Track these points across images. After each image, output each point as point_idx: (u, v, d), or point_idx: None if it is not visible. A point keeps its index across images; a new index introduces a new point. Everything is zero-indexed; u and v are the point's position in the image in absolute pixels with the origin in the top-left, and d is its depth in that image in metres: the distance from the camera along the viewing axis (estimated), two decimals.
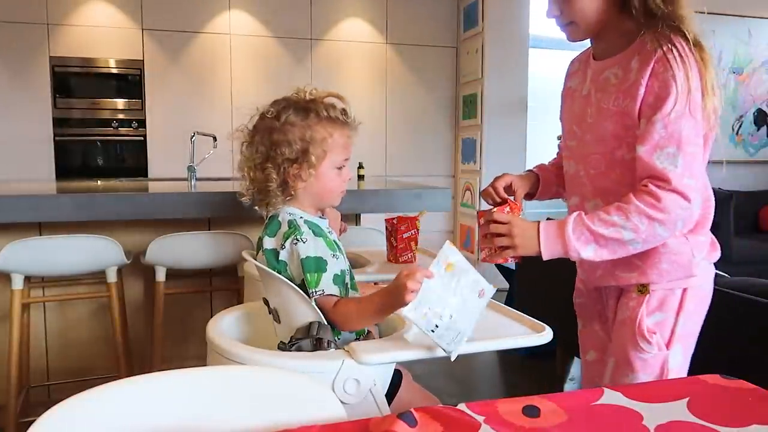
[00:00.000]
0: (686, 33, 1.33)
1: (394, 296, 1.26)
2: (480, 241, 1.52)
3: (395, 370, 1.51)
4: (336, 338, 1.40)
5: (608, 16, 1.42)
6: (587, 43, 1.57)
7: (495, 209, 1.50)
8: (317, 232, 1.41)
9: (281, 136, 1.41)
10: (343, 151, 1.47)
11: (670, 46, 1.31)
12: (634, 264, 1.45)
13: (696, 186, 1.35)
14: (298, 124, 1.42)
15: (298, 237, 1.37)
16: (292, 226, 1.39)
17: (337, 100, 1.50)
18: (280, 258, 1.38)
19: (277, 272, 1.38)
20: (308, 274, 1.35)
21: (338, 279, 1.39)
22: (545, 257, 1.38)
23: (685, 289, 1.46)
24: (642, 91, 1.35)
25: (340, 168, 1.48)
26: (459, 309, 1.27)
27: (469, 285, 1.29)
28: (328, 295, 1.36)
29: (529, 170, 1.74)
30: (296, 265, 1.36)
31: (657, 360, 1.45)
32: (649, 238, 1.34)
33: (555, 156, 1.82)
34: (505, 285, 4.24)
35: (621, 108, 1.40)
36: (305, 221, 1.42)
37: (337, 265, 1.41)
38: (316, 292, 1.35)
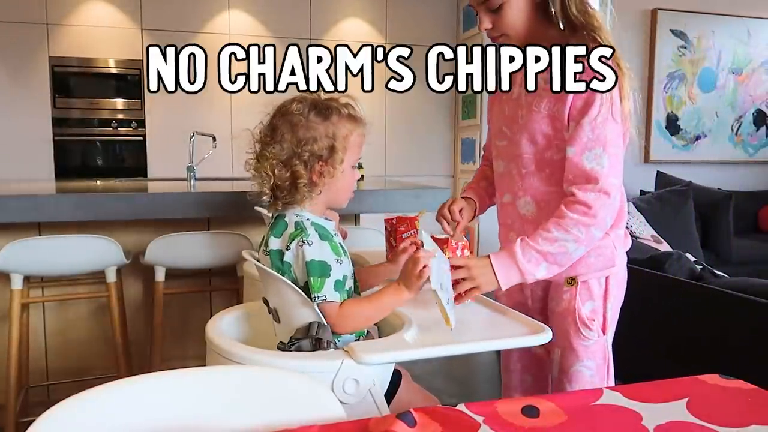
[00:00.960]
0: (597, 45, 1.41)
1: (403, 285, 1.34)
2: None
3: (394, 370, 1.51)
4: (336, 339, 1.40)
5: (535, 26, 1.52)
6: None
7: (446, 247, 1.58)
8: (323, 234, 1.40)
9: (308, 133, 1.39)
10: (359, 150, 1.48)
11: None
12: None
13: (618, 184, 1.46)
14: (322, 121, 1.41)
15: (305, 239, 1.35)
16: (299, 227, 1.37)
17: (350, 99, 1.51)
18: (284, 259, 1.37)
19: (281, 273, 1.37)
20: (312, 278, 1.34)
21: (339, 284, 1.37)
22: (504, 287, 1.46)
23: (607, 277, 1.57)
24: (569, 97, 1.44)
25: (353, 167, 1.48)
26: (446, 281, 1.38)
27: (443, 258, 1.43)
28: (329, 301, 1.35)
29: (464, 196, 1.83)
30: (301, 267, 1.35)
31: (598, 346, 1.57)
32: (589, 242, 1.46)
33: (479, 166, 1.93)
34: None
35: (552, 111, 1.49)
36: (312, 223, 1.40)
37: (341, 270, 1.39)
38: (318, 297, 1.34)
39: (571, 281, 1.57)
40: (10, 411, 2.40)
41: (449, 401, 1.07)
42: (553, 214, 1.47)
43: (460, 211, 1.75)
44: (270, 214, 1.51)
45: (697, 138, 5.98)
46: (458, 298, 1.47)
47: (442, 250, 1.53)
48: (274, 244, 1.39)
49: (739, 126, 6.13)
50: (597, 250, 1.53)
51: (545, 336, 1.39)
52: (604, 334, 1.58)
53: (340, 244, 1.45)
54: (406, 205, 2.80)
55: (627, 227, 3.64)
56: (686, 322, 2.50)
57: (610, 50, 1.40)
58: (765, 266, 4.58)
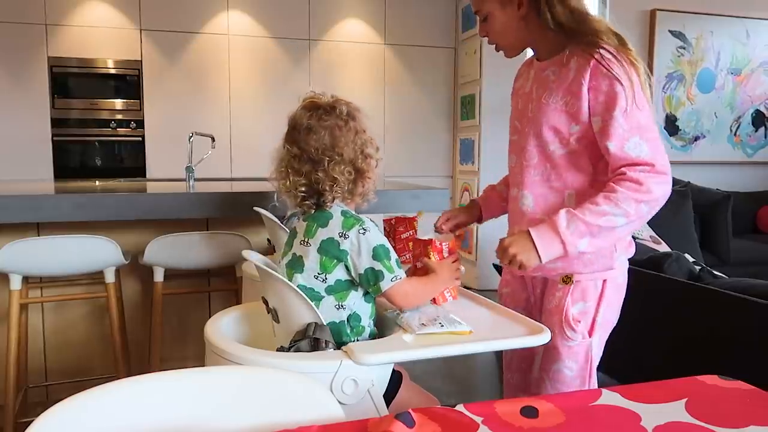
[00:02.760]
0: (603, 43, 1.45)
1: (441, 284, 1.55)
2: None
3: (395, 371, 1.51)
4: (352, 338, 1.41)
5: (531, 34, 1.57)
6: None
7: (430, 248, 1.61)
8: (371, 221, 1.45)
9: (353, 132, 1.45)
10: None
11: (601, 52, 1.44)
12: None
13: (668, 164, 1.46)
14: (353, 124, 1.46)
15: (364, 227, 1.40)
16: (351, 216, 1.42)
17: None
18: (341, 247, 1.39)
19: (336, 261, 1.40)
20: (383, 262, 1.39)
21: (398, 263, 1.44)
22: (545, 260, 1.44)
23: (604, 281, 1.56)
24: (585, 92, 1.46)
25: None
26: (426, 313, 1.48)
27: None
28: (401, 278, 1.41)
29: (473, 199, 1.93)
30: (365, 254, 1.39)
31: (581, 348, 1.56)
32: (637, 220, 1.43)
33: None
34: None
35: (563, 106, 1.51)
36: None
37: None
38: (396, 277, 1.40)
39: (567, 280, 1.57)
40: (9, 411, 2.40)
41: (448, 401, 1.07)
42: (604, 189, 1.44)
43: (452, 217, 1.85)
44: (295, 211, 1.58)
45: (696, 138, 5.98)
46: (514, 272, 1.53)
47: (427, 251, 1.59)
48: (324, 234, 1.42)
49: (738, 127, 6.13)
50: (597, 250, 1.51)
51: (544, 337, 1.39)
52: (589, 337, 1.57)
53: None
54: (404, 205, 2.80)
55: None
56: (685, 323, 2.50)
57: (614, 47, 1.44)
58: (764, 267, 4.59)
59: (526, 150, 1.61)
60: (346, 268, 1.41)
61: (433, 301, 1.60)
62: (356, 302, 1.44)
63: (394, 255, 1.43)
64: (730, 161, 6.08)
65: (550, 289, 1.63)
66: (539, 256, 1.43)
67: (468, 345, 1.36)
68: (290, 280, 1.43)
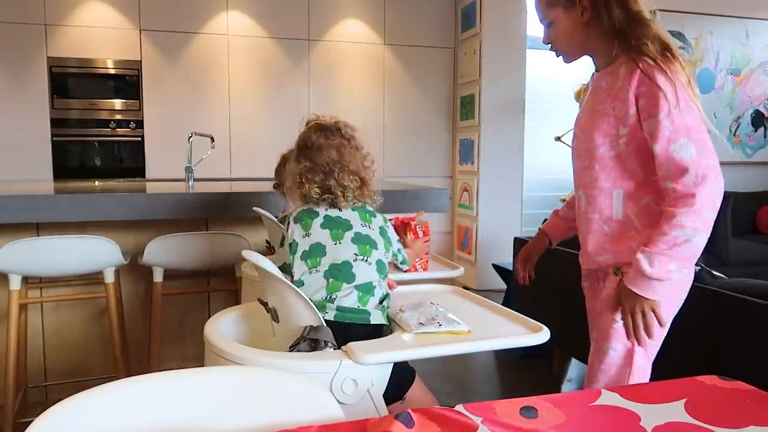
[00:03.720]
0: (646, 48, 1.52)
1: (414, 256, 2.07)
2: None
3: (409, 368, 1.54)
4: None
5: (591, 41, 1.65)
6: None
7: (408, 228, 2.12)
8: None
9: (355, 148, 1.75)
10: None
11: (646, 59, 1.51)
12: (606, 247, 1.65)
13: (714, 164, 1.50)
14: (354, 142, 1.76)
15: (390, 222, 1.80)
16: (382, 214, 1.79)
17: None
18: (388, 234, 1.76)
19: (387, 242, 1.73)
20: (400, 245, 1.86)
21: None
22: (656, 298, 1.52)
23: None
24: (631, 97, 1.54)
25: None
26: (425, 313, 1.56)
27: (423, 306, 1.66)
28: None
29: (540, 228, 2.08)
30: (395, 239, 1.80)
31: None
32: (706, 226, 1.52)
33: None
34: (503, 286, 4.24)
35: (611, 110, 1.59)
36: None
37: None
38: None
39: (616, 271, 1.64)
40: (9, 411, 2.40)
41: (447, 401, 1.07)
42: (663, 216, 1.52)
43: (527, 258, 2.05)
44: (275, 214, 1.73)
45: None
46: (638, 335, 1.56)
47: (405, 232, 2.05)
48: (376, 223, 1.74)
49: (738, 127, 6.14)
50: (639, 238, 1.59)
51: (543, 336, 1.39)
52: None
53: None
54: (404, 205, 2.80)
55: None
56: (684, 323, 2.50)
57: (656, 53, 1.51)
58: (763, 267, 4.59)
59: (581, 153, 1.72)
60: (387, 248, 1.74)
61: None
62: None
63: None
64: (730, 161, 6.09)
65: (607, 282, 1.69)
66: (649, 299, 1.52)
67: (467, 344, 1.36)
68: (362, 255, 1.63)
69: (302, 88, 5.50)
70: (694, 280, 1.70)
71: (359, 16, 5.69)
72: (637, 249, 1.56)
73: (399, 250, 1.83)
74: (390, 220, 2.05)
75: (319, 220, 1.67)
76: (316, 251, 1.61)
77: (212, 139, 3.47)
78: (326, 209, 1.70)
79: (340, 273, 1.59)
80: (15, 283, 2.37)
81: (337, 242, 1.63)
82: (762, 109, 6.21)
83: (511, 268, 3.78)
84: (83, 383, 2.64)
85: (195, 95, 5.33)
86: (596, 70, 1.72)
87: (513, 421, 0.93)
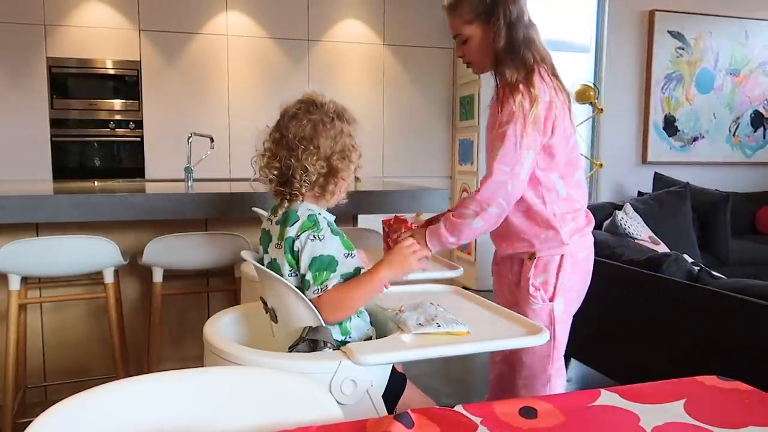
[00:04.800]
0: (505, 76, 1.83)
1: (396, 265, 1.52)
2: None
3: (400, 373, 1.52)
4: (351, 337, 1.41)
5: (494, 59, 1.88)
6: None
7: (404, 225, 1.97)
8: (335, 230, 1.45)
9: (337, 132, 1.48)
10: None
11: (508, 83, 1.81)
12: (523, 239, 1.91)
13: (510, 172, 1.76)
14: (341, 121, 1.49)
15: (316, 234, 1.40)
16: (312, 220, 1.42)
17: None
18: (294, 248, 1.41)
19: (294, 260, 1.41)
20: (316, 273, 1.39)
21: (345, 278, 1.44)
22: (432, 250, 1.87)
23: (562, 256, 1.88)
24: (498, 112, 1.84)
25: None
26: (426, 313, 1.52)
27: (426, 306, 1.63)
28: (327, 290, 1.40)
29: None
30: (305, 259, 1.40)
31: (544, 310, 1.89)
32: (486, 216, 1.79)
33: None
34: None
35: (492, 122, 1.89)
36: (324, 217, 1.46)
37: (352, 263, 1.45)
38: (320, 289, 1.39)
39: (531, 257, 1.91)
40: (8, 411, 2.40)
41: (446, 402, 1.07)
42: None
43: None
44: (269, 213, 1.54)
45: (695, 139, 5.99)
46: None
47: (400, 229, 1.93)
48: (287, 233, 1.42)
49: (737, 127, 6.14)
50: (546, 231, 1.87)
51: (543, 337, 1.39)
52: (551, 301, 1.89)
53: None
54: (403, 206, 2.80)
55: (623, 228, 3.64)
56: (684, 324, 2.51)
57: (510, 82, 1.80)
58: (762, 267, 4.59)
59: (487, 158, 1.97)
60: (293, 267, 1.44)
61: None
62: None
63: (339, 269, 1.42)
64: (729, 162, 6.09)
65: (522, 267, 1.95)
66: (428, 246, 1.83)
67: (466, 345, 1.36)
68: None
69: (302, 89, 5.41)
70: (693, 281, 1.79)
71: (359, 16, 5.69)
72: (546, 237, 1.88)
73: (303, 277, 1.41)
74: (387, 221, 2.03)
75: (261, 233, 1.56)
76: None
77: (212, 140, 3.47)
78: (268, 216, 1.54)
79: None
80: (14, 284, 2.37)
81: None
82: (761, 110, 6.21)
83: None
84: (83, 383, 2.64)
85: (194, 95, 5.33)
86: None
87: (512, 422, 0.93)
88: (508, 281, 2.06)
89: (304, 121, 1.45)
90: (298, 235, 1.40)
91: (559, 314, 1.91)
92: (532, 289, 1.89)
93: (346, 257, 1.43)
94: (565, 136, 1.85)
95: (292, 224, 1.42)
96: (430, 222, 2.00)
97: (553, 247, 1.89)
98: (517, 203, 1.85)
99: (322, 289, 1.39)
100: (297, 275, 1.42)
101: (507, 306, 1.81)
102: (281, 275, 1.42)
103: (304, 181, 1.43)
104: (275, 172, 1.47)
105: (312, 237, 1.39)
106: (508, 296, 2.05)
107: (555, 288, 1.89)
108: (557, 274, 1.89)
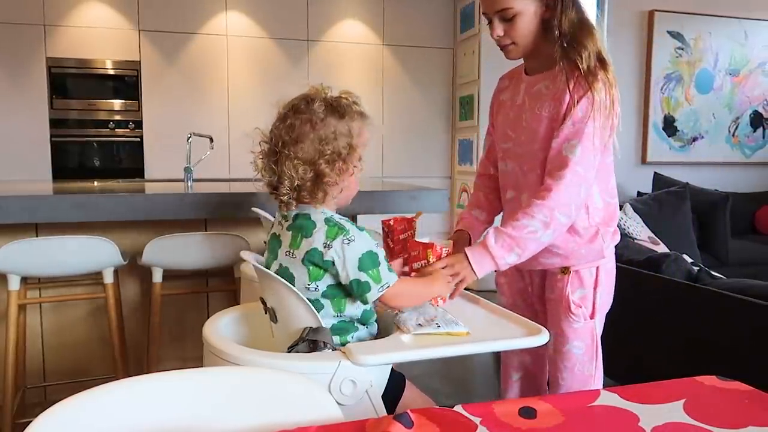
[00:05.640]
0: (587, 59, 1.57)
1: (436, 290, 1.54)
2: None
3: (399, 373, 1.52)
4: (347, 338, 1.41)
5: (537, 40, 1.67)
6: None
7: (430, 251, 1.64)
8: (357, 226, 1.39)
9: (328, 131, 1.36)
10: (365, 148, 1.46)
11: (584, 68, 1.57)
12: (556, 254, 1.71)
13: (585, 175, 1.58)
14: (339, 119, 1.38)
15: (347, 237, 1.34)
16: (334, 224, 1.36)
17: (353, 95, 1.47)
18: (326, 258, 1.34)
19: (323, 271, 1.36)
20: (369, 272, 1.34)
21: (389, 266, 1.40)
22: (479, 275, 1.59)
23: (597, 267, 1.73)
24: (566, 104, 1.60)
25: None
26: (425, 313, 1.49)
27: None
28: (390, 285, 1.38)
29: (458, 229, 1.98)
30: (351, 265, 1.34)
31: (586, 328, 1.73)
32: (555, 224, 1.57)
33: (474, 189, 2.08)
34: None
35: (551, 114, 1.64)
36: (339, 219, 1.40)
37: (382, 252, 1.40)
38: (384, 286, 1.37)
39: (565, 270, 1.72)
40: (7, 412, 2.39)
41: (446, 402, 1.07)
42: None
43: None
44: (279, 215, 1.50)
45: (694, 139, 5.99)
46: (452, 294, 1.62)
47: (426, 255, 1.62)
48: (308, 244, 1.35)
49: (736, 127, 6.14)
50: (588, 245, 1.69)
51: (542, 337, 1.39)
52: (592, 319, 1.73)
53: None
54: (403, 206, 2.80)
55: (623, 228, 3.65)
56: (683, 324, 2.51)
57: (592, 65, 1.57)
58: (762, 267, 4.59)
59: (524, 156, 1.74)
60: (333, 276, 1.37)
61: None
62: (357, 307, 1.42)
63: (383, 259, 1.38)
64: (729, 162, 6.09)
65: (550, 280, 1.77)
66: (474, 272, 1.58)
67: (466, 346, 1.36)
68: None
69: (301, 89, 5.46)
70: (693, 281, 1.75)
71: (358, 16, 5.69)
72: (586, 253, 1.70)
73: (358, 282, 1.34)
74: (386, 221, 2.02)
75: (269, 236, 1.50)
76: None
77: (211, 140, 3.47)
78: (279, 220, 1.47)
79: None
80: (14, 284, 2.37)
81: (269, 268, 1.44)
82: (761, 110, 6.21)
83: None
84: (82, 384, 2.64)
85: (194, 96, 5.33)
86: (525, 72, 1.78)
87: (512, 422, 0.93)
88: (526, 295, 1.89)
89: (288, 123, 1.37)
90: (328, 245, 1.33)
91: (599, 332, 1.76)
92: (573, 307, 1.71)
93: (377, 247, 1.39)
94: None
95: (311, 234, 1.35)
96: (458, 243, 1.83)
97: (589, 261, 1.71)
98: None
99: (384, 286, 1.36)
100: (317, 289, 1.37)
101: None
102: (293, 284, 1.37)
103: (286, 188, 1.36)
104: (267, 178, 1.41)
105: (346, 241, 1.33)
106: (526, 311, 1.86)
107: (594, 304, 1.73)
108: (595, 288, 1.73)
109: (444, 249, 1.65)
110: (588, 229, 1.69)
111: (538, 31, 1.65)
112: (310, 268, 1.36)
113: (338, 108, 1.40)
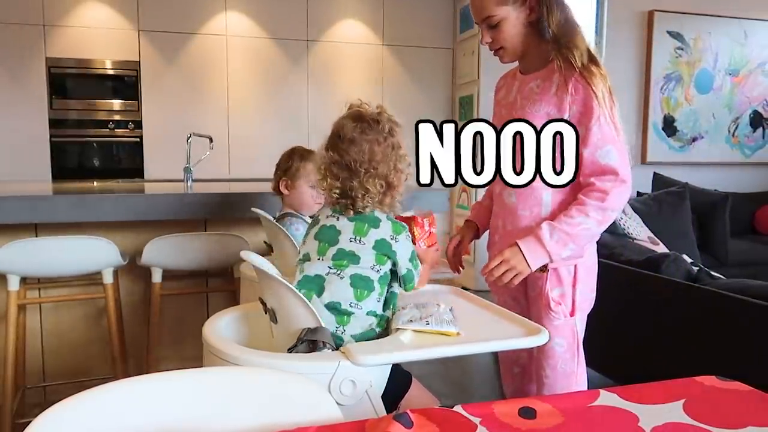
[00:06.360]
0: (580, 57, 1.63)
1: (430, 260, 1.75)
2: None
3: (405, 371, 1.53)
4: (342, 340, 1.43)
5: (528, 40, 1.74)
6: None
7: (413, 224, 1.82)
8: None
9: (390, 149, 1.55)
10: None
11: (579, 66, 1.63)
12: None
13: (629, 171, 1.68)
14: (391, 140, 1.56)
15: (407, 233, 1.59)
16: (397, 223, 1.59)
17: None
18: (393, 248, 1.54)
19: (387, 258, 1.54)
20: (413, 263, 1.59)
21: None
22: (534, 268, 1.67)
23: (575, 266, 1.76)
24: (567, 103, 1.66)
25: None
26: (416, 311, 1.56)
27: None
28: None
29: (467, 219, 2.13)
30: (408, 257, 1.57)
31: (567, 325, 1.77)
32: (606, 223, 1.66)
33: None
34: None
35: (545, 113, 1.68)
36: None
37: None
38: (417, 274, 1.61)
39: (543, 269, 1.74)
40: (7, 412, 2.39)
41: (445, 403, 1.07)
42: (574, 202, 1.68)
43: (457, 246, 2.09)
44: (328, 210, 1.63)
45: (694, 139, 5.99)
46: (508, 285, 1.70)
47: (410, 228, 1.75)
48: (376, 234, 1.54)
49: (736, 127, 6.14)
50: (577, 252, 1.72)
51: (542, 337, 1.39)
52: (572, 316, 1.77)
53: None
54: (403, 206, 2.79)
55: (623, 228, 3.65)
56: (683, 324, 2.51)
57: (585, 63, 1.63)
58: (762, 268, 4.59)
59: None
60: (394, 264, 1.56)
61: None
62: (387, 293, 1.60)
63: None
64: (728, 162, 6.09)
65: (531, 278, 1.79)
66: (529, 266, 1.66)
67: (466, 346, 1.36)
68: (340, 269, 1.51)
69: (301, 89, 5.50)
70: (692, 281, 1.76)
71: (358, 16, 5.69)
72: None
73: (409, 270, 1.59)
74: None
75: (315, 230, 1.60)
76: (304, 259, 1.58)
77: (211, 140, 3.47)
78: (329, 216, 1.60)
79: (312, 284, 1.53)
80: (13, 284, 2.37)
81: (321, 257, 1.54)
82: (760, 110, 6.21)
83: None
84: (82, 384, 2.64)
85: (194, 96, 5.33)
86: (521, 71, 1.83)
87: (512, 422, 0.93)
88: (515, 292, 1.92)
89: (364, 145, 1.53)
90: (395, 238, 1.55)
91: (580, 330, 1.80)
92: (553, 304, 1.76)
93: None
94: None
95: (379, 226, 1.55)
96: (467, 232, 2.04)
97: (568, 258, 1.73)
98: (541, 210, 1.74)
99: (418, 274, 1.61)
100: (380, 271, 1.54)
101: None
102: (357, 264, 1.52)
103: (367, 201, 1.54)
104: (337, 192, 1.55)
105: (407, 237, 1.57)
106: (515, 309, 1.88)
107: (573, 301, 1.77)
108: (573, 286, 1.77)
109: (425, 219, 1.85)
110: None
111: (527, 34, 1.73)
112: (378, 254, 1.53)
113: (392, 127, 1.58)
